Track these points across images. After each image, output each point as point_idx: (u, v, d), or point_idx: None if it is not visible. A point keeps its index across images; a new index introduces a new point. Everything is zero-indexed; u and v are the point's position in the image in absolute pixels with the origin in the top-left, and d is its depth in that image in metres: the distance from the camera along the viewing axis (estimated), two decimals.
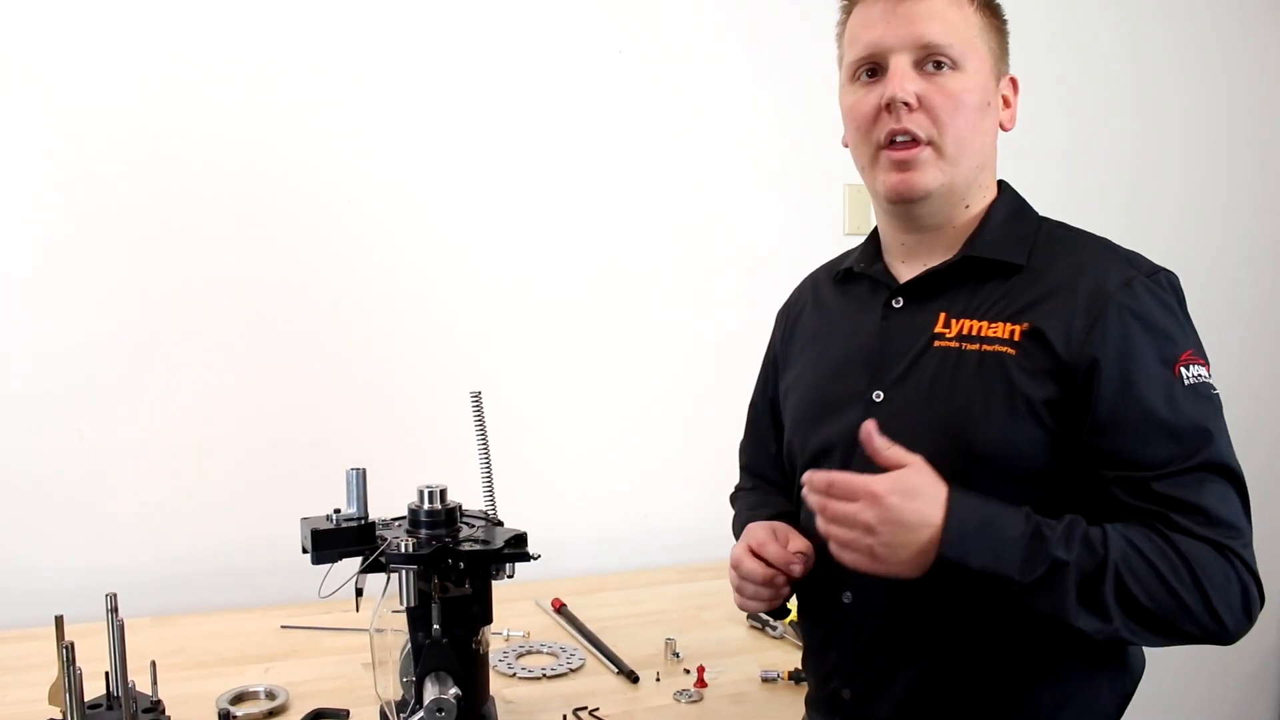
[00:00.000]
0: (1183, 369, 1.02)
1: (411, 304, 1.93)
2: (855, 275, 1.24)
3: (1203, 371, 1.03)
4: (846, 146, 1.17)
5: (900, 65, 1.09)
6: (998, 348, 1.06)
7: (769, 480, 1.38)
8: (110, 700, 1.22)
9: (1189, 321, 1.07)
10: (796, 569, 1.14)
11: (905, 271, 1.16)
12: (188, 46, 1.78)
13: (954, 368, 1.08)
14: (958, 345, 1.08)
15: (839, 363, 1.20)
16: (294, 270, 1.86)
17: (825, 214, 2.17)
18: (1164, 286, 1.05)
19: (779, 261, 2.15)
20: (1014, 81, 1.16)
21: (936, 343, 1.10)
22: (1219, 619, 0.98)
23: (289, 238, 1.86)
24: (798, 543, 1.17)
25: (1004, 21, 1.15)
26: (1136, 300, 1.03)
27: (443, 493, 1.26)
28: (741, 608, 1.21)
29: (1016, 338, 1.05)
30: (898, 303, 1.16)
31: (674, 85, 2.07)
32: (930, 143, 1.09)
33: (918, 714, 1.11)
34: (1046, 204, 1.19)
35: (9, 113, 1.72)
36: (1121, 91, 2.39)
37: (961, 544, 0.95)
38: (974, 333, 1.08)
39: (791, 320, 1.34)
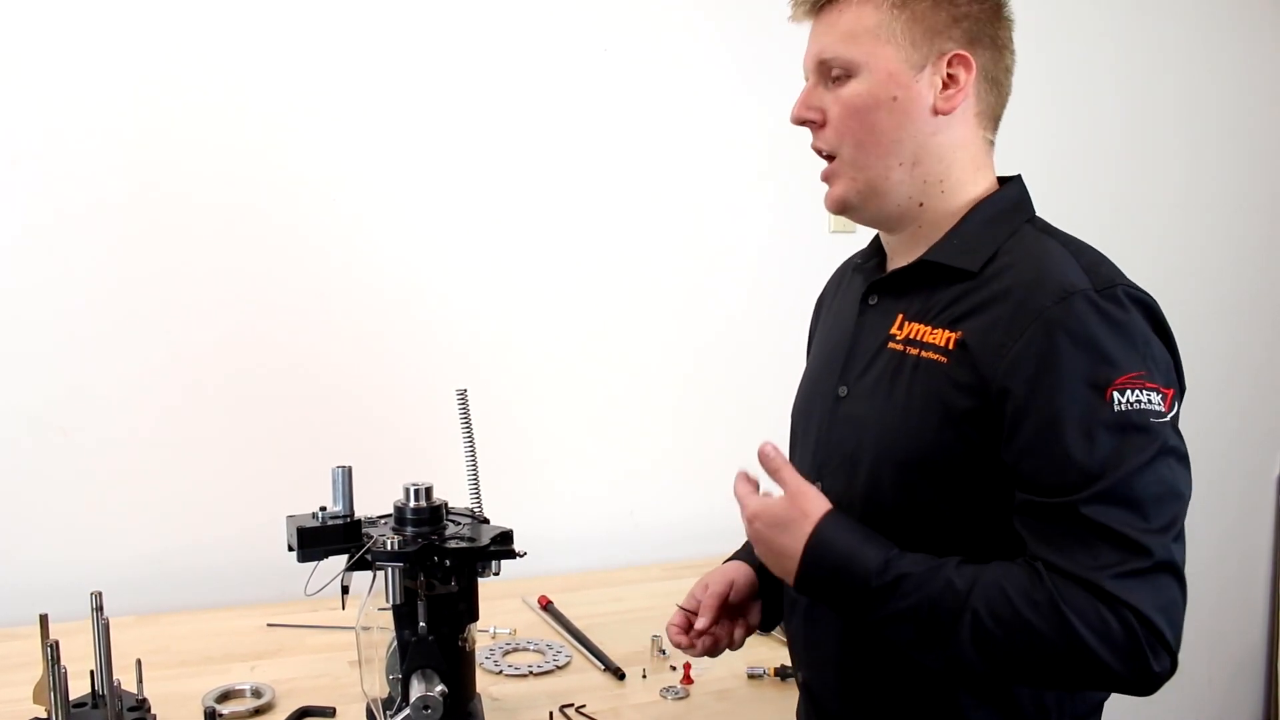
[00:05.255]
0: (1116, 393, 0.94)
1: (397, 302, 1.93)
2: (858, 267, 1.25)
3: (1149, 397, 0.95)
4: None
5: (808, 85, 1.14)
6: (933, 355, 1.04)
7: None
8: (95, 699, 1.22)
9: (1152, 343, 0.98)
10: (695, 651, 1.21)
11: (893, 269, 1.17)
12: (172, 44, 1.77)
13: (895, 371, 1.08)
14: (902, 349, 1.08)
15: (827, 354, 1.22)
16: (278, 268, 1.86)
17: (811, 212, 2.17)
18: (1120, 302, 0.98)
19: (764, 259, 2.17)
20: (962, 57, 1.06)
21: (890, 344, 1.10)
22: (1098, 661, 0.92)
23: (273, 236, 1.85)
24: (712, 599, 1.21)
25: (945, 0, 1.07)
26: (1071, 316, 0.96)
27: (428, 490, 1.27)
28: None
29: (951, 346, 1.03)
30: (873, 300, 1.16)
31: (660, 83, 2.06)
32: (835, 155, 1.11)
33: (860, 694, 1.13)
34: (1036, 200, 1.18)
35: None
36: (1109, 85, 2.40)
37: (809, 586, 1.03)
38: (918, 337, 1.07)
39: (821, 308, 1.36)
